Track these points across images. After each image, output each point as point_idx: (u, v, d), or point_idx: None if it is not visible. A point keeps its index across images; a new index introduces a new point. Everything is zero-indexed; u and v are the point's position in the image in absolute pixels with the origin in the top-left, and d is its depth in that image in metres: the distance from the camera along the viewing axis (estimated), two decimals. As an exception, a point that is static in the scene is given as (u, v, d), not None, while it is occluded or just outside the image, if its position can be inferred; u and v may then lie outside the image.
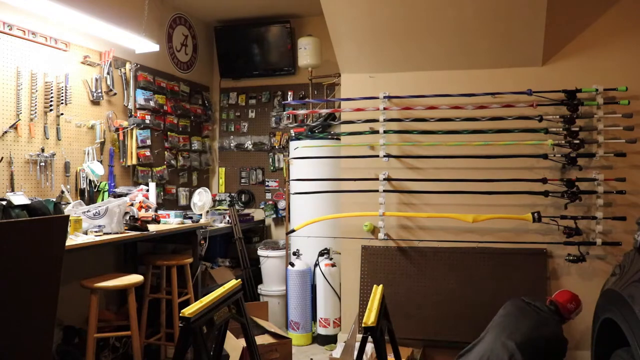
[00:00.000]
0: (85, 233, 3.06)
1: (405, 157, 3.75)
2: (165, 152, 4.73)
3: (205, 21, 5.43)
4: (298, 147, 4.28)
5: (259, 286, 4.68)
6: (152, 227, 3.47)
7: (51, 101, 3.48)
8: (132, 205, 3.58)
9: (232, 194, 5.36)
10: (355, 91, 3.85)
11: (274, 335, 3.52)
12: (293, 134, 4.67)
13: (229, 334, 2.83)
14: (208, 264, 4.50)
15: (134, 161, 4.22)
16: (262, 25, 5.19)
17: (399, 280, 3.73)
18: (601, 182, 3.36)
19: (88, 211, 3.16)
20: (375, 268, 3.79)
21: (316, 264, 4.19)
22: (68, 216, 2.57)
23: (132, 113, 4.27)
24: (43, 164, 3.41)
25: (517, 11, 3.31)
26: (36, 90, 3.39)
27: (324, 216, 3.92)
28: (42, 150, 3.41)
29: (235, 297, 2.47)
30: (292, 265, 4.24)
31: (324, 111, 4.43)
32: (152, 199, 3.97)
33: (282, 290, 4.47)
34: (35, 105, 3.37)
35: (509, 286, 3.48)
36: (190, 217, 4.02)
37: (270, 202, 5.33)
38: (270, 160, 5.39)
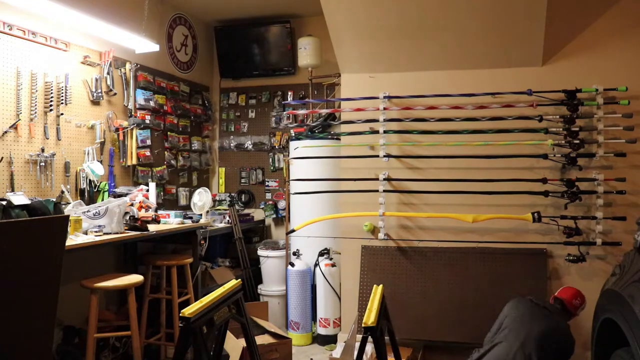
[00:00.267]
0: (85, 233, 3.06)
1: (405, 157, 3.75)
2: (165, 152, 4.73)
3: (205, 21, 5.43)
4: (298, 147, 4.28)
5: (259, 286, 4.68)
6: (152, 227, 3.47)
7: (51, 101, 3.48)
8: (132, 205, 3.58)
9: (232, 194, 5.36)
10: (355, 91, 3.85)
11: (274, 335, 3.52)
12: (293, 134, 4.67)
13: (229, 334, 2.83)
14: (208, 264, 4.50)
15: (134, 161, 4.22)
16: (262, 25, 5.19)
17: (399, 280, 3.72)
18: (601, 182, 3.36)
19: (88, 211, 3.16)
20: (375, 268, 3.79)
21: (316, 264, 4.19)
22: (68, 216, 2.57)
23: (132, 113, 4.27)
24: (43, 164, 3.41)
25: (517, 11, 3.31)
26: (36, 90, 3.39)
27: (324, 216, 3.92)
28: (42, 150, 3.41)
29: (235, 297, 2.47)
30: (292, 265, 4.24)
31: (324, 111, 4.43)
32: (152, 199, 3.97)
33: (282, 290, 4.47)
34: (35, 105, 3.38)
35: (509, 286, 3.48)
36: (190, 217, 4.02)
37: (270, 202, 5.33)
38: (270, 160, 5.39)
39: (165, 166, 4.68)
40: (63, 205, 3.19)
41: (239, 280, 2.58)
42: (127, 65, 4.21)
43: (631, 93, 3.37)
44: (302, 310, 4.22)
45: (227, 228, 4.62)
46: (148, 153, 4.36)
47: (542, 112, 3.48)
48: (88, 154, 3.78)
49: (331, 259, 4.16)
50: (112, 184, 3.99)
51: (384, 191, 3.69)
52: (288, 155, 4.72)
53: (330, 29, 3.71)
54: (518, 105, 3.52)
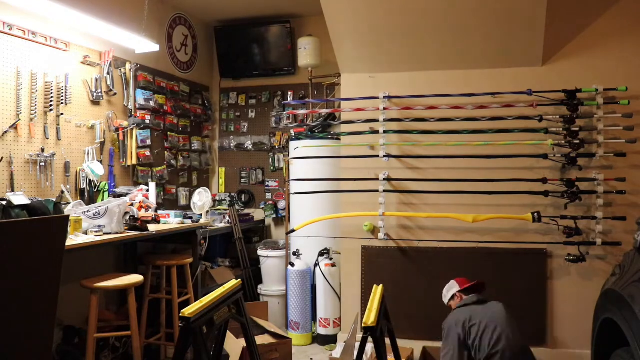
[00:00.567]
0: (85, 233, 3.06)
1: (405, 157, 3.75)
2: (165, 152, 4.73)
3: (205, 21, 5.43)
4: (298, 147, 4.28)
5: (259, 286, 4.68)
6: (152, 227, 3.47)
7: (51, 101, 3.48)
8: (132, 205, 3.58)
9: (232, 194, 5.37)
10: (355, 91, 3.85)
11: (274, 335, 3.52)
12: (293, 134, 4.67)
13: (229, 334, 2.83)
14: (208, 264, 4.50)
15: (134, 161, 4.22)
16: (262, 25, 5.19)
17: (399, 280, 3.73)
18: (601, 182, 3.36)
19: (88, 211, 3.16)
20: (375, 268, 3.79)
21: (316, 264, 4.19)
22: (68, 216, 2.57)
23: (132, 113, 4.26)
24: (43, 164, 3.41)
25: (517, 11, 3.31)
26: (36, 90, 3.38)
27: (324, 216, 3.92)
28: (42, 150, 3.41)
29: (235, 297, 2.47)
30: (292, 265, 4.24)
31: (324, 111, 4.43)
32: (152, 199, 3.97)
33: (282, 290, 4.47)
34: (35, 105, 3.37)
35: (509, 286, 3.48)
36: (190, 217, 4.02)
37: (270, 202, 5.33)
38: (270, 160, 5.39)
39: (165, 166, 4.68)
40: (63, 205, 3.19)
41: (239, 280, 2.58)
42: (127, 65, 4.21)
43: (631, 93, 3.37)
44: (302, 310, 4.22)
45: (227, 228, 4.62)
46: (148, 153, 4.36)
47: (542, 112, 3.48)
48: (88, 154, 3.78)
49: (331, 259, 4.16)
50: (112, 184, 3.99)
51: (384, 191, 3.69)
52: (288, 155, 4.72)
53: (330, 28, 3.71)
54: (518, 105, 3.52)
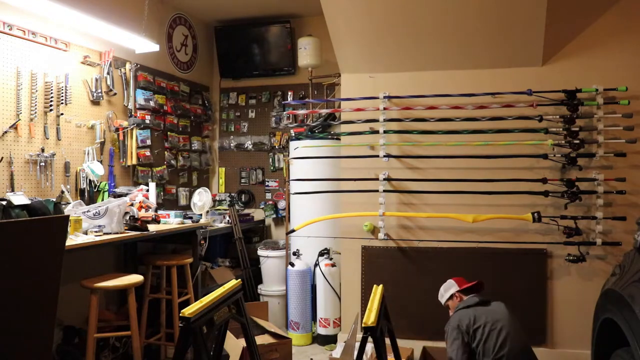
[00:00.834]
0: (85, 233, 3.06)
1: (405, 157, 3.75)
2: (165, 152, 4.73)
3: (205, 21, 5.43)
4: (298, 147, 4.28)
5: (259, 286, 4.68)
6: (152, 227, 3.47)
7: (51, 101, 3.48)
8: (132, 205, 3.58)
9: (232, 194, 5.36)
10: (355, 91, 3.85)
11: (274, 335, 3.52)
12: (293, 134, 4.67)
13: (229, 334, 2.83)
14: (208, 264, 4.50)
15: (134, 161, 4.22)
16: (262, 25, 5.19)
17: (399, 280, 3.73)
18: (601, 182, 3.36)
19: (88, 211, 3.16)
20: (375, 268, 3.79)
21: (316, 264, 4.19)
22: (68, 216, 2.57)
23: (132, 113, 4.26)
24: (43, 164, 3.41)
25: (517, 11, 3.31)
26: (36, 90, 3.38)
27: (324, 216, 3.92)
28: (42, 150, 3.41)
29: (235, 297, 2.47)
30: (292, 265, 4.24)
31: (324, 111, 4.43)
32: (152, 199, 3.97)
33: (282, 290, 4.47)
34: (35, 105, 3.37)
35: (509, 286, 3.48)
36: (190, 217, 4.02)
37: (270, 202, 5.33)
38: (270, 160, 5.39)
39: (165, 166, 4.68)
40: (63, 205, 3.19)
41: (239, 280, 2.58)
42: (127, 65, 4.21)
43: (631, 93, 3.37)
44: (302, 310, 4.22)
45: (227, 228, 4.62)
46: (148, 153, 4.36)
47: (542, 112, 3.48)
48: (88, 154, 3.78)
49: (331, 259, 4.16)
50: (112, 184, 3.99)
51: (384, 191, 3.69)
52: (288, 155, 4.72)
53: (330, 29, 3.71)
54: (518, 105, 3.52)
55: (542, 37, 3.39)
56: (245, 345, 2.77)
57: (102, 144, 3.94)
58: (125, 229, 3.28)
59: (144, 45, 3.96)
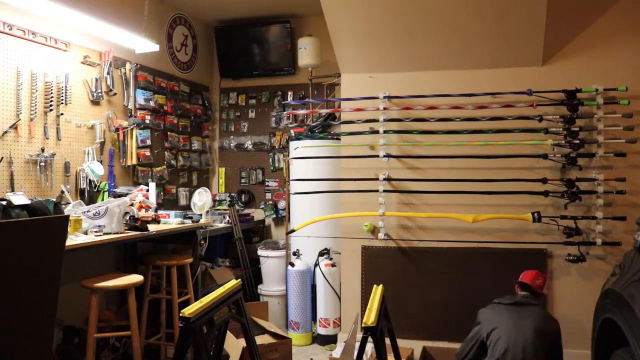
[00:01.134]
0: (85, 233, 3.06)
1: (405, 157, 3.75)
2: (165, 152, 4.73)
3: (205, 21, 5.43)
4: (298, 147, 4.28)
5: (259, 286, 4.68)
6: (152, 227, 3.47)
7: (51, 101, 3.48)
8: (132, 205, 3.58)
9: (232, 194, 5.36)
10: (355, 91, 3.85)
11: (274, 335, 3.52)
12: (293, 134, 4.67)
13: (229, 334, 2.83)
14: (208, 264, 4.50)
15: (134, 161, 4.22)
16: (262, 25, 5.19)
17: (399, 280, 3.73)
18: (601, 182, 3.36)
19: (88, 211, 3.16)
20: (375, 268, 3.79)
21: (316, 264, 4.19)
22: (68, 216, 2.57)
23: (132, 113, 4.27)
24: (43, 164, 3.41)
25: (517, 11, 3.31)
26: (36, 90, 3.38)
27: (324, 216, 3.92)
28: (42, 150, 3.41)
29: (235, 297, 2.47)
30: (292, 265, 4.24)
31: (324, 111, 4.43)
32: (152, 199, 3.97)
33: (282, 290, 4.47)
34: (35, 105, 3.37)
35: (509, 286, 3.47)
36: (190, 217, 4.02)
37: (270, 202, 5.33)
38: (270, 160, 5.39)
39: (165, 166, 4.68)
40: (63, 205, 3.19)
41: (239, 280, 2.58)
42: (127, 65, 4.21)
43: (631, 93, 3.37)
44: (302, 310, 4.22)
45: (227, 228, 4.62)
46: (148, 153, 4.36)
47: (542, 112, 3.48)
48: (88, 154, 3.78)
49: (331, 259, 4.16)
50: (112, 184, 3.99)
51: (384, 191, 3.69)
52: (288, 155, 4.72)
53: (330, 29, 3.71)
54: (518, 105, 3.52)
55: (542, 37, 3.39)
56: (245, 345, 2.77)
57: (102, 144, 3.94)
58: (125, 229, 3.28)
59: (144, 45, 3.96)
